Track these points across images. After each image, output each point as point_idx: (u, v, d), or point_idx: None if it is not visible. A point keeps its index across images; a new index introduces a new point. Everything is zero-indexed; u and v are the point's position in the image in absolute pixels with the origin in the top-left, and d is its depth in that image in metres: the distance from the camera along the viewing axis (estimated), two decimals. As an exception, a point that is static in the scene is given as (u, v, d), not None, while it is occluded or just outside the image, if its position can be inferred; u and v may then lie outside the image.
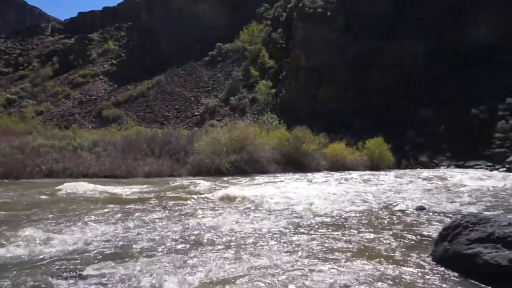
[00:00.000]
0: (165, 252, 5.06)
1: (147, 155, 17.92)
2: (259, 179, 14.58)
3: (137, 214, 7.45)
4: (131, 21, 58.76)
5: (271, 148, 19.19)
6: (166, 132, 22.61)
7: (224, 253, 5.03)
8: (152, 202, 8.91)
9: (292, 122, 23.88)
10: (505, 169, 20.87)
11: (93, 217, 7.06)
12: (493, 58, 29.03)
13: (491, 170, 20.78)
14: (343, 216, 7.41)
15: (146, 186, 12.13)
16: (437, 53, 30.75)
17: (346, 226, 6.61)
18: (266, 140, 19.59)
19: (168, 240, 5.65)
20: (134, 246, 5.32)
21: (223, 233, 6.06)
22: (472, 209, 8.10)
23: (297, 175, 16.23)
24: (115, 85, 44.89)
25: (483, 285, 3.97)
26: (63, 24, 69.10)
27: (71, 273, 4.25)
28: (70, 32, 60.22)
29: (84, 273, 4.27)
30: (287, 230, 6.26)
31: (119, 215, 7.33)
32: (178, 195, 10.20)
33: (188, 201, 9.05)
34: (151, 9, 56.49)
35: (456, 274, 4.26)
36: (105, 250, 5.15)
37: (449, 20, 31.71)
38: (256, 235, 5.97)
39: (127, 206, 8.24)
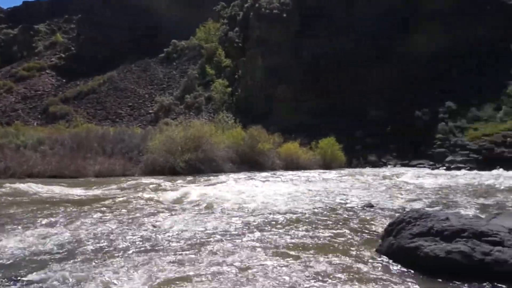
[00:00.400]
0: (114, 255, 4.89)
1: (98, 154, 17.25)
2: (214, 178, 14.51)
3: (85, 215, 7.14)
4: (82, 14, 56.16)
5: (226, 147, 19.17)
6: (119, 130, 21.90)
7: (176, 254, 4.97)
8: (102, 202, 8.59)
9: (248, 121, 24.03)
10: (444, 167, 22.31)
11: (37, 220, 6.68)
12: (436, 65, 30.80)
13: (432, 169, 22.13)
14: (296, 214, 7.55)
15: (96, 186, 11.68)
16: (384, 56, 32.10)
17: (299, 223, 6.74)
18: (222, 139, 19.54)
19: (118, 242, 5.48)
20: (81, 249, 5.08)
21: (176, 233, 5.97)
22: (415, 205, 8.56)
23: (252, 174, 16.32)
24: (64, 80, 42.80)
25: (424, 276, 4.21)
26: (5, 13, 64.62)
27: (12, 279, 4.01)
28: (13, 22, 56.51)
29: (26, 278, 4.04)
30: (241, 229, 6.28)
31: (65, 217, 7.00)
32: (129, 195, 9.90)
33: (140, 201, 8.82)
34: (105, 2, 54.34)
35: (400, 266, 4.49)
36: (50, 254, 4.90)
37: (397, 27, 33.20)
38: (210, 234, 5.94)
39: (75, 208, 7.89)
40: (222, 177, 14.69)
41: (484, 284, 3.91)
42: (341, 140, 23.68)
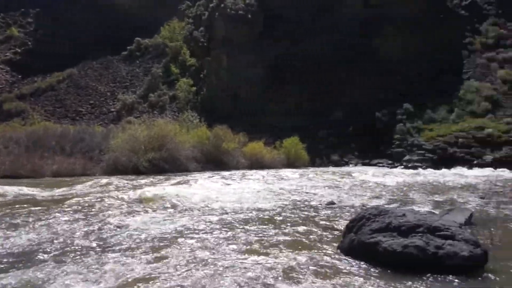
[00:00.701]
0: (74, 257, 4.74)
1: (56, 153, 16.59)
2: (179, 177, 14.35)
3: (46, 216, 6.87)
4: (40, 7, 53.60)
5: (191, 146, 19.01)
6: (79, 128, 21.17)
7: (143, 253, 4.89)
8: (64, 203, 8.28)
9: (213, 120, 23.95)
10: (402, 166, 23.22)
11: (-8, 221, 6.36)
12: (395, 68, 31.97)
13: (391, 168, 22.99)
14: (261, 212, 7.62)
15: (56, 186, 11.23)
16: (347, 60, 32.96)
17: (264, 221, 6.82)
18: (187, 138, 19.35)
19: (82, 243, 5.32)
20: (39, 251, 4.89)
21: (142, 233, 5.88)
22: (375, 203, 8.88)
23: (217, 173, 16.28)
24: (19, 76, 40.74)
25: (383, 270, 4.38)
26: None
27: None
28: (-38, 13, 53.03)
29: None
30: (207, 228, 6.27)
31: (25, 218, 6.70)
32: (92, 195, 9.61)
33: (104, 201, 8.58)
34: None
35: (361, 261, 4.65)
36: (6, 257, 4.69)
37: (359, 30, 34.16)
38: (177, 233, 5.89)
39: (35, 208, 7.57)
40: (187, 176, 14.55)
41: (436, 276, 4.13)
42: (305, 139, 24.08)
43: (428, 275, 4.14)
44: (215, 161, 19.48)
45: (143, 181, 12.77)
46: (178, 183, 12.49)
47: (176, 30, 42.80)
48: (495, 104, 27.37)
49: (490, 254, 4.50)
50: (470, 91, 28.61)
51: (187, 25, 42.42)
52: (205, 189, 10.65)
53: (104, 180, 12.72)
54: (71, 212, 7.34)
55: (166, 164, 16.92)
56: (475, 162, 22.66)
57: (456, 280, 4.03)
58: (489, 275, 4.20)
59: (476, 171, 19.62)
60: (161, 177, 14.33)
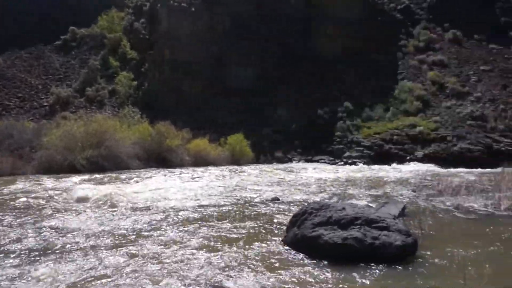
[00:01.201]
0: (10, 260, 4.48)
1: (-20, 150, 15.31)
2: (120, 175, 13.88)
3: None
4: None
5: (132, 143, 18.43)
6: (6, 124, 19.63)
7: (81, 256, 4.73)
8: (-11, 204, 7.70)
9: (155, 116, 23.36)
10: (342, 162, 24.32)
11: None
12: (335, 67, 33.25)
13: (332, 164, 23.97)
14: (206, 210, 7.64)
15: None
16: (290, 58, 33.69)
17: (210, 218, 6.85)
18: (128, 135, 18.73)
19: (14, 246, 5.01)
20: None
21: (80, 235, 5.66)
22: (317, 198, 9.26)
23: (160, 171, 15.97)
24: None
25: (324, 262, 4.62)
26: None
27: None
28: None
29: None
30: (149, 227, 6.18)
31: None
32: (24, 195, 9.02)
33: (38, 202, 8.10)
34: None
35: (303, 254, 4.86)
36: None
37: (300, 28, 35.05)
38: (118, 234, 5.74)
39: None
40: (129, 175, 14.12)
41: (371, 265, 4.45)
42: (249, 136, 24.31)
43: (363, 264, 4.45)
44: (158, 159, 19.06)
45: (81, 180, 12.20)
46: (119, 181, 12.10)
47: (115, 20, 40.91)
48: (425, 103, 29.51)
49: (419, 243, 4.92)
50: (403, 91, 30.57)
51: (127, 16, 40.77)
52: (148, 187, 10.43)
53: (36, 180, 11.97)
54: (1, 213, 6.85)
55: (106, 162, 16.27)
56: (408, 158, 24.31)
57: (387, 268, 4.37)
58: (419, 261, 4.60)
59: (409, 166, 21.10)
60: (101, 175, 13.78)
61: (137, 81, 33.71)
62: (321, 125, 28.62)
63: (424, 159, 23.77)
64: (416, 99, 29.52)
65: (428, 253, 4.87)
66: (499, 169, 13.89)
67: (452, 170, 19.09)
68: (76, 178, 12.61)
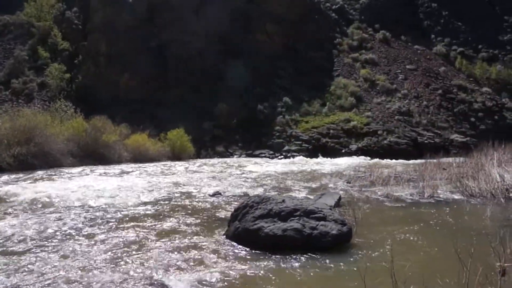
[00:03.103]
0: None
1: None
2: (52, 174, 13.01)
3: None
4: None
5: (66, 139, 17.34)
6: None
7: (8, 260, 4.36)
8: None
9: (91, 111, 22.14)
10: (282, 156, 24.83)
11: None
12: (275, 63, 33.77)
13: (272, 158, 24.38)
14: (144, 207, 7.44)
15: None
16: (230, 52, 33.61)
17: (149, 216, 6.67)
18: (60, 131, 17.57)
19: None
20: None
21: (8, 237, 5.22)
22: (258, 191, 9.39)
23: (96, 168, 15.22)
24: None
25: (265, 254, 4.69)
26: None
27: None
28: None
29: None
30: (80, 227, 5.87)
31: None
32: None
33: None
34: None
35: (245, 247, 4.90)
36: None
37: (241, 24, 35.08)
38: (48, 235, 5.37)
39: None
40: (61, 173, 13.28)
41: (308, 254, 4.59)
42: (190, 131, 23.97)
43: (302, 254, 4.58)
44: (94, 155, 18.12)
45: (7, 179, 11.24)
46: (49, 179, 11.34)
47: (44, 8, 37.98)
48: (358, 99, 31.04)
49: (354, 231, 5.17)
50: (339, 87, 31.88)
51: (58, 4, 38.07)
52: (83, 185, 9.89)
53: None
54: None
55: (36, 159, 15.12)
56: (343, 151, 25.45)
57: (324, 256, 4.54)
58: (353, 248, 4.83)
59: (344, 159, 22.07)
60: (30, 174, 12.80)
61: (71, 74, 31.73)
62: (261, 120, 28.99)
63: (357, 152, 25.03)
64: (350, 95, 30.93)
65: (362, 240, 5.13)
66: (422, 161, 15.02)
67: (383, 161, 20.29)
68: (1, 177, 11.60)
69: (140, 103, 29.65)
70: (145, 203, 7.78)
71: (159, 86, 31.27)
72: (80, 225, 5.93)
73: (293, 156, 24.49)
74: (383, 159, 22.04)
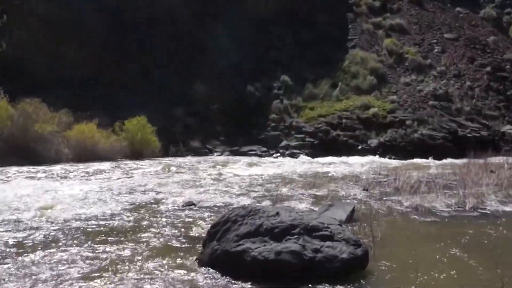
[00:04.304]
0: None
1: None
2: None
3: None
4: None
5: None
6: None
7: None
8: None
9: (20, 92, 21.87)
10: (278, 154, 24.86)
11: None
12: (269, 30, 33.68)
13: (265, 156, 24.41)
14: (88, 223, 7.42)
15: None
16: (200, 15, 33.30)
17: (96, 234, 6.65)
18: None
19: None
20: None
21: None
22: (245, 201, 9.39)
23: (25, 169, 15.08)
24: None
25: (254, 284, 4.66)
26: None
27: None
28: None
29: None
30: (7, 248, 5.82)
31: None
32: None
33: None
34: None
35: (226, 276, 4.86)
36: None
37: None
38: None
39: None
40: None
41: (311, 285, 4.57)
42: (156, 120, 23.81)
43: (301, 285, 4.55)
44: (21, 152, 17.89)
45: None
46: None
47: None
48: (381, 79, 31.12)
49: (371, 254, 5.18)
50: (355, 63, 31.91)
51: None
52: (5, 192, 9.81)
53: None
54: None
55: None
56: (359, 147, 25.53)
57: (328, 287, 4.54)
58: (370, 276, 4.84)
59: (360, 158, 22.15)
60: None
61: (-9, 41, 31.35)
62: (251, 106, 28.91)
63: (378, 149, 25.13)
64: (370, 73, 30.98)
65: (382, 266, 5.14)
66: (464, 160, 15.15)
67: (412, 161, 20.43)
68: None
69: (88, 82, 29.30)
70: (88, 218, 7.74)
71: (115, 60, 30.95)
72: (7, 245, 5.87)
73: (294, 155, 24.53)
74: (412, 158, 22.20)
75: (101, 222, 7.38)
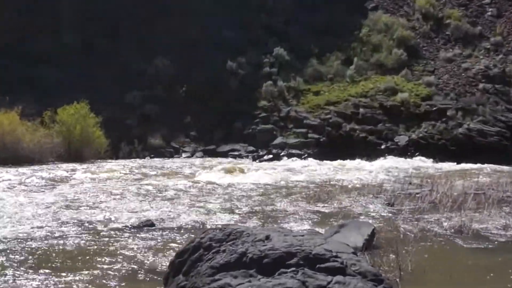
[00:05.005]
0: None
1: None
2: None
3: None
4: None
5: None
6: None
7: None
8: None
9: None
10: (271, 156, 24.75)
11: None
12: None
13: (253, 159, 24.30)
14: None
15: None
16: None
17: (20, 263, 6.65)
18: None
19: None
20: None
21: None
22: (223, 219, 9.37)
23: None
24: None
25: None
26: None
27: None
28: None
29: None
30: None
31: None
32: None
33: None
34: None
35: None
36: None
37: None
38: None
39: None
40: None
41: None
42: (101, 108, 23.72)
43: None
44: None
45: None
46: None
47: None
48: (412, 52, 31.15)
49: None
50: (377, 30, 31.95)
51: None
52: None
53: None
54: None
55: None
56: (382, 146, 25.56)
57: None
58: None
59: (384, 161, 22.19)
60: None
61: None
62: (234, 88, 28.78)
63: (409, 148, 25.20)
64: (398, 45, 31.02)
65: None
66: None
67: (454, 166, 20.46)
68: None
69: (6, 56, 29.14)
70: (10, 240, 7.74)
71: (43, 27, 30.77)
72: None
73: (292, 156, 24.50)
74: (455, 161, 22.25)
75: (28, 246, 7.40)
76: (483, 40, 32.35)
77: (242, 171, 18.02)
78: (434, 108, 27.39)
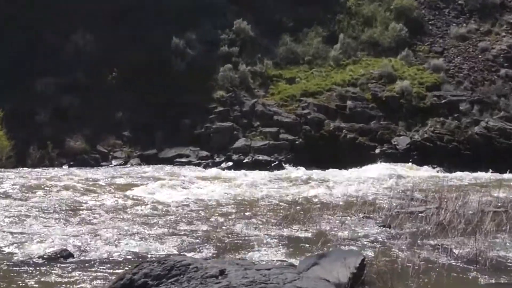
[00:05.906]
0: None
1: None
2: None
3: None
4: None
5: None
6: None
7: None
8: None
9: None
10: (231, 163, 24.79)
11: None
12: None
13: (206, 166, 24.30)
14: None
15: None
16: None
17: None
18: None
19: None
20: None
21: None
22: (164, 248, 9.40)
23: None
24: None
25: None
26: None
27: None
28: None
29: None
30: None
31: None
32: None
33: None
34: None
35: None
36: None
37: None
38: None
39: None
40: None
41: None
42: (1, 99, 23.61)
43: None
44: None
45: None
46: None
47: None
48: (414, 27, 31.45)
49: None
50: (368, -1, 32.31)
51: None
52: None
53: None
54: None
55: None
56: (377, 150, 25.76)
57: None
58: None
59: (378, 169, 22.33)
60: None
61: None
62: (180, 73, 28.74)
63: (410, 153, 25.41)
64: (396, 17, 31.31)
65: None
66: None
67: (468, 175, 20.70)
68: None
69: None
70: None
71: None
72: None
73: (258, 163, 24.58)
74: (469, 169, 22.46)
75: None
76: (506, 12, 32.70)
77: (191, 183, 18.03)
78: (444, 101, 27.69)
